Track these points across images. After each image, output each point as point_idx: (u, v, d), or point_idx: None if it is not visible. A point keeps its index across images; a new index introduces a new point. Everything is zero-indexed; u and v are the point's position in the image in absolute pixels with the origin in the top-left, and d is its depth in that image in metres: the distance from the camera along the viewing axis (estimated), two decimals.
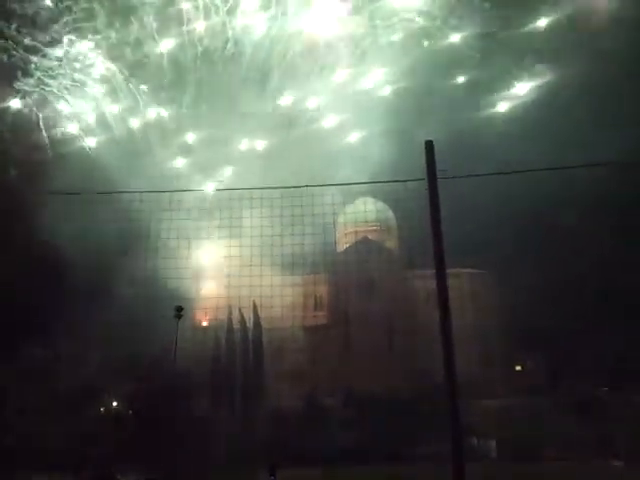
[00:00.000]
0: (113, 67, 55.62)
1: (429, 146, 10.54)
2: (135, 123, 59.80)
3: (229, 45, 56.93)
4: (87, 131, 57.64)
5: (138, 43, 54.72)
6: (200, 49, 56.22)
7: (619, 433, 36.59)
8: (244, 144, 64.45)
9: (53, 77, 53.04)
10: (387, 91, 63.15)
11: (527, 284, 52.26)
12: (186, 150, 63.25)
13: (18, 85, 52.60)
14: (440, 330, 9.51)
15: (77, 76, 53.97)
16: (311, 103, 63.55)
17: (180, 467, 35.29)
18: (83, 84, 54.75)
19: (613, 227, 51.77)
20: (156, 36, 54.65)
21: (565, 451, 37.77)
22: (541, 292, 51.48)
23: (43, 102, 54.53)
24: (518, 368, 61.91)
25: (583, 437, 37.83)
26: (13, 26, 49.58)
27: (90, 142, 58.48)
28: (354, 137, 65.56)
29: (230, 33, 56.41)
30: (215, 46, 56.65)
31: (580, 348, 48.50)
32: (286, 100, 63.24)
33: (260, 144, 64.55)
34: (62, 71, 52.75)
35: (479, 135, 56.69)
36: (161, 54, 56.51)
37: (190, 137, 63.21)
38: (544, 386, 51.46)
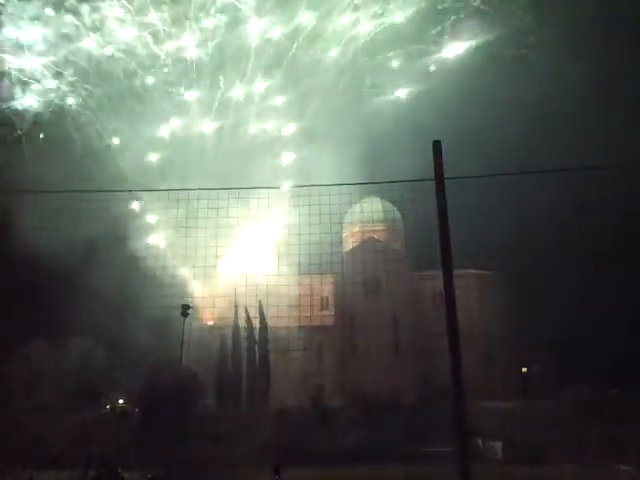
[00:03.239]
0: None
1: (437, 146, 10.47)
2: None
3: None
4: None
5: None
6: None
7: (627, 437, 36.19)
8: None
9: None
10: None
11: (534, 286, 51.97)
12: None
13: None
14: (447, 331, 9.46)
15: None
16: None
17: (184, 465, 35.37)
18: None
19: (619, 229, 51.36)
20: None
21: (572, 454, 37.46)
22: (548, 294, 51.19)
23: None
24: (524, 370, 61.58)
25: (590, 440, 37.52)
26: None
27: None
28: None
29: None
30: None
31: (588, 350, 48.18)
32: None
33: None
34: None
35: None
36: None
37: None
38: (550, 388, 51.12)
